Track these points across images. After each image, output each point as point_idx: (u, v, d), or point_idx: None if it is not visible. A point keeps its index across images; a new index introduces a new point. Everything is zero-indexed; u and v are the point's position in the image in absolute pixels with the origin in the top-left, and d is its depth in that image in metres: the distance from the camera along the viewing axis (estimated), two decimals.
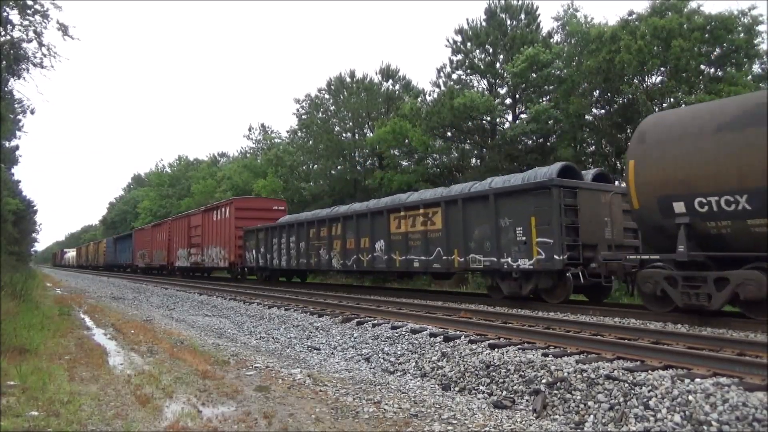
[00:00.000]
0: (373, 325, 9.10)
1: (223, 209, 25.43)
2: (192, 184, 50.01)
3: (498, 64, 24.87)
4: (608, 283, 10.02)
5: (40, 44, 13.77)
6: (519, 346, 6.62)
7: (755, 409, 4.07)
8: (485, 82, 25.58)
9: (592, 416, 4.67)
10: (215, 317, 13.28)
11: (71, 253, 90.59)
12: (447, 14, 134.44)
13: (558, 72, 20.94)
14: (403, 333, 8.20)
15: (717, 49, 16.37)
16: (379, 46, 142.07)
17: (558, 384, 5.23)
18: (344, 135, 33.35)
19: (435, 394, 5.77)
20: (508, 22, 25.13)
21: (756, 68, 16.98)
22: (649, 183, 8.31)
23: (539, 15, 25.12)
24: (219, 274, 31.26)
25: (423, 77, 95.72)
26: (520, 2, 25.00)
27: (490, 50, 25.15)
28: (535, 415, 4.97)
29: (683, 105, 14.84)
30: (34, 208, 46.20)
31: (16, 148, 26.07)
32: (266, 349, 8.74)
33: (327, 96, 35.14)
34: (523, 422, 4.76)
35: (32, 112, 18.34)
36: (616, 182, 12.50)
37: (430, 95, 28.78)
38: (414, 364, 6.95)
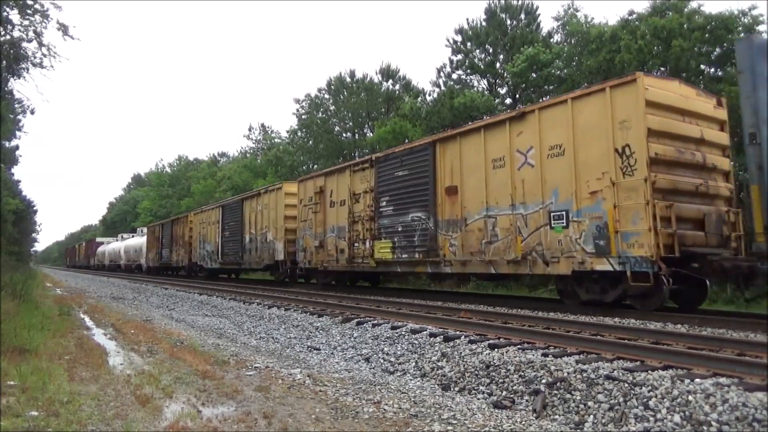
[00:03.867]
0: (373, 325, 9.10)
1: None
2: (192, 184, 50.04)
3: (498, 64, 24.91)
4: None
5: (40, 44, 13.80)
6: (519, 346, 6.61)
7: (755, 409, 4.07)
8: (485, 82, 25.62)
9: (591, 416, 4.68)
10: (215, 317, 13.28)
11: (119, 245, 47.63)
12: (447, 14, 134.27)
13: (558, 72, 20.95)
14: (403, 333, 8.19)
15: (717, 49, 16.35)
16: (379, 46, 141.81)
17: (558, 384, 5.23)
18: (344, 135, 33.40)
19: (435, 394, 5.77)
20: (508, 22, 25.18)
21: None
22: None
23: (539, 15, 25.21)
24: None
25: (423, 77, 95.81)
26: (520, 2, 25.04)
27: (490, 50, 25.20)
28: (534, 415, 4.97)
29: None
30: (34, 208, 46.29)
31: (16, 148, 26.15)
32: (266, 349, 8.74)
33: (327, 96, 35.23)
34: (523, 422, 4.76)
35: (32, 112, 18.40)
36: None
37: (430, 95, 28.87)
38: (414, 364, 6.95)
